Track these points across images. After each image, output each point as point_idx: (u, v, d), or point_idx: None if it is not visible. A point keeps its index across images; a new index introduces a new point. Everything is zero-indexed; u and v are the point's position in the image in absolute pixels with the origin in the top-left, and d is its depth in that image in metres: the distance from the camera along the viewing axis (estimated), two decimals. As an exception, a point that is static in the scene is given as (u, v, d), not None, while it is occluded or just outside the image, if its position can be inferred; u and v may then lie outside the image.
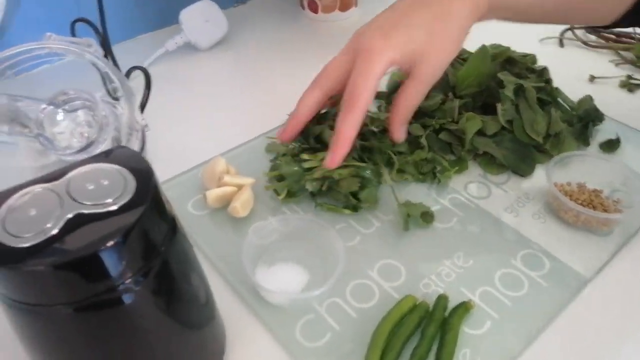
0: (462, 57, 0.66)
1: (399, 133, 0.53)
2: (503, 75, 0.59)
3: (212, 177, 0.53)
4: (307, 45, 0.83)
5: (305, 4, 0.89)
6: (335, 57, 0.51)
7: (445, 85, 0.62)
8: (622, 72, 0.73)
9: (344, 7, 0.89)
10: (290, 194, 0.53)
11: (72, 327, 0.30)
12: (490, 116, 0.58)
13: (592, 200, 0.51)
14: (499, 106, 0.57)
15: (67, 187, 0.30)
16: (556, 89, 0.62)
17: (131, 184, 0.30)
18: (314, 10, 0.89)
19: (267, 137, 0.60)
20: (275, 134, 0.54)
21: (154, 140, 0.55)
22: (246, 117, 0.66)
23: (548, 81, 0.62)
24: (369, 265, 0.47)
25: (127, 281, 0.29)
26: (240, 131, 0.62)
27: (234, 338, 0.42)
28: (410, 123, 0.57)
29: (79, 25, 0.63)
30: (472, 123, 0.56)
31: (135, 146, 0.51)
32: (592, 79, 0.72)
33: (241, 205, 0.50)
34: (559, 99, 0.61)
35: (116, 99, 0.51)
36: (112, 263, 0.28)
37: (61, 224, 0.28)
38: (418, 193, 0.54)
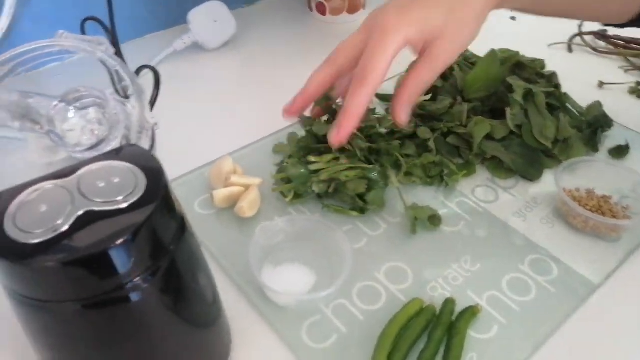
0: (471, 61, 0.66)
1: (402, 114, 0.48)
2: (512, 80, 0.59)
3: (219, 177, 0.53)
4: (315, 47, 0.83)
5: (314, 6, 0.89)
6: (350, 36, 0.49)
7: (454, 89, 0.62)
8: (632, 78, 0.73)
9: (352, 10, 0.88)
10: (297, 196, 0.53)
11: (80, 324, 0.30)
12: (498, 120, 0.57)
13: (601, 206, 0.51)
14: (508, 111, 0.57)
15: (78, 184, 0.30)
16: (565, 94, 0.62)
17: (142, 182, 0.30)
18: (322, 12, 0.89)
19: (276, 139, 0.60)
20: (282, 108, 0.52)
21: (161, 139, 0.55)
22: (253, 118, 0.66)
23: (557, 86, 0.62)
24: (376, 268, 0.47)
25: (136, 279, 0.29)
26: (247, 131, 0.62)
27: (239, 338, 0.42)
28: (419, 126, 0.58)
29: (88, 23, 0.63)
30: (480, 127, 0.56)
31: (145, 144, 0.51)
32: (601, 85, 0.71)
33: (248, 205, 0.50)
34: (568, 105, 0.61)
35: (126, 97, 0.51)
36: (121, 261, 0.28)
37: (71, 220, 0.28)
38: (425, 196, 0.54)
